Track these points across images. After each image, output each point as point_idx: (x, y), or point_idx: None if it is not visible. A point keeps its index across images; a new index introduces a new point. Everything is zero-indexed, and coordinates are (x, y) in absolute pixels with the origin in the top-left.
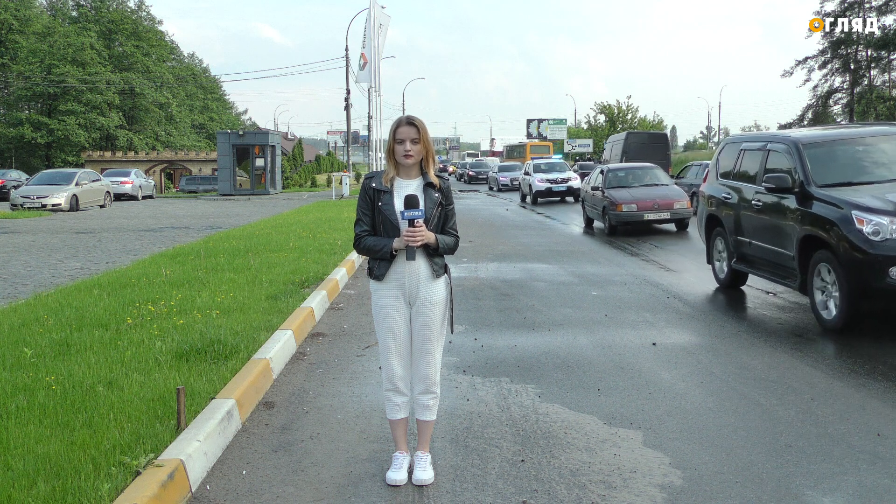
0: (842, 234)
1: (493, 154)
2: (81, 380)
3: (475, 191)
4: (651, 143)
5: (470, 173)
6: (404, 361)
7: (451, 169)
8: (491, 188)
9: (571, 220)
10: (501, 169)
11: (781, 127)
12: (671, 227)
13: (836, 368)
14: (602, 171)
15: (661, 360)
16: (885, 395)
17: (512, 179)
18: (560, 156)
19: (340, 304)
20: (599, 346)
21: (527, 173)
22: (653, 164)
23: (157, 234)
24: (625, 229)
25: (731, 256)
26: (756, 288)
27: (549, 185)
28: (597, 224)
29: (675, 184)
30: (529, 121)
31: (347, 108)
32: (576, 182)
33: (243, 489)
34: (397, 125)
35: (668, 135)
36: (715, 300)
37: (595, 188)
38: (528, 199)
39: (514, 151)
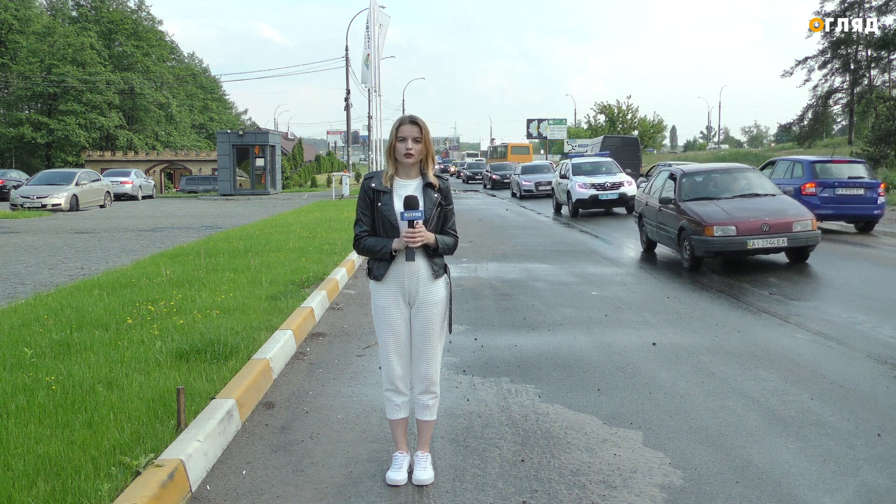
0: None
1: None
2: (81, 380)
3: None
4: (624, 147)
5: (494, 177)
6: (404, 361)
7: (451, 169)
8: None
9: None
10: (525, 171)
11: (781, 127)
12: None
13: (835, 368)
14: (673, 176)
15: (661, 360)
16: (885, 395)
17: (537, 184)
18: (607, 154)
19: (340, 304)
20: (599, 346)
21: (564, 176)
22: (746, 166)
23: (157, 234)
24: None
25: None
26: (755, 288)
27: (594, 191)
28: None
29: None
30: (529, 121)
31: (347, 108)
32: (630, 188)
33: (243, 489)
34: (400, 123)
35: (669, 134)
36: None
37: (665, 200)
38: (566, 209)
39: (497, 153)
